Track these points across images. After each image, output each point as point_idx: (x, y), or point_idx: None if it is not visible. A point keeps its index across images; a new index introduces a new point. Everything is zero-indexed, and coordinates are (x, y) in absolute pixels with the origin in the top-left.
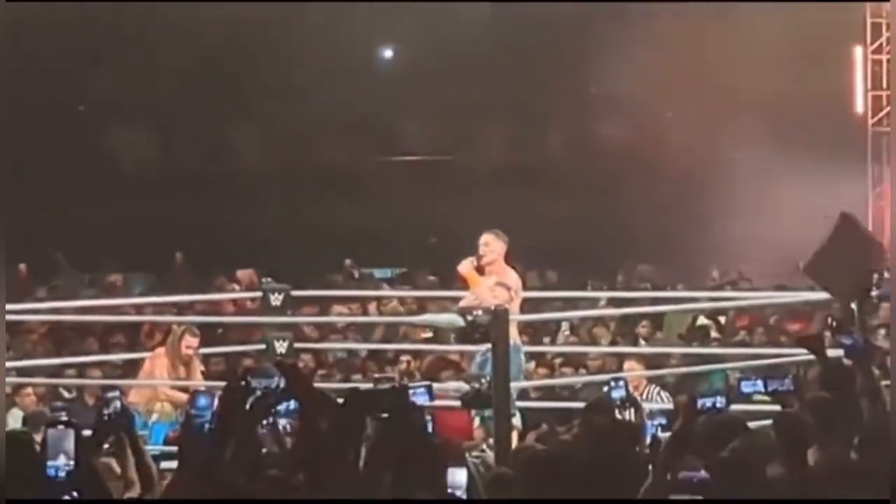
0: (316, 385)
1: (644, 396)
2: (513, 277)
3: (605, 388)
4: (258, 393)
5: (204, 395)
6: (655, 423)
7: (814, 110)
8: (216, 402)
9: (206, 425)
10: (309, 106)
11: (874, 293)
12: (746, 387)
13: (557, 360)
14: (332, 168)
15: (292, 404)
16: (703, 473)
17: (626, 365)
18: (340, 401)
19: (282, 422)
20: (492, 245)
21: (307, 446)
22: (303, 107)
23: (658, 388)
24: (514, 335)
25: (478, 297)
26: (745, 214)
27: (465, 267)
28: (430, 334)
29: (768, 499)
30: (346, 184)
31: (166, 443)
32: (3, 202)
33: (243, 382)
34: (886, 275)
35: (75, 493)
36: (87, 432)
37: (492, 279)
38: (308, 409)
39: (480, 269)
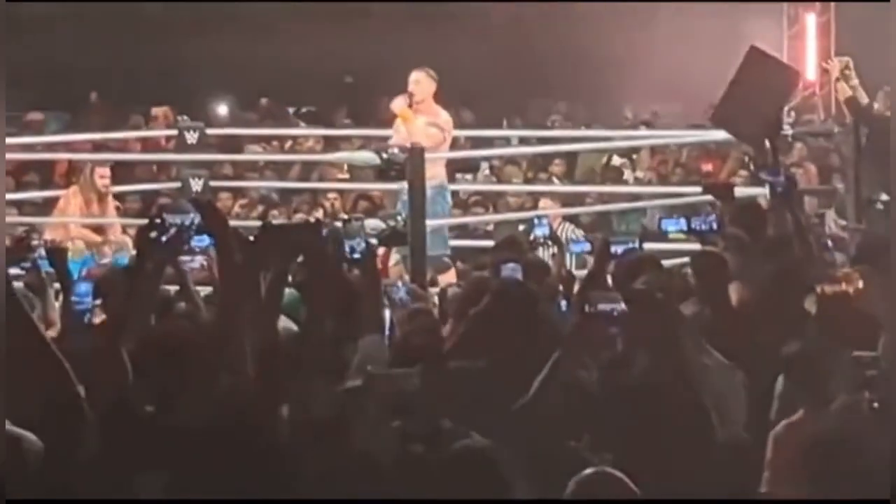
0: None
1: (559, 234)
2: (444, 117)
3: (524, 226)
4: (172, 229)
5: (84, 281)
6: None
7: None
8: (134, 237)
9: (87, 314)
10: None
11: (786, 131)
12: (668, 224)
13: (471, 200)
14: (247, 6)
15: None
16: (622, 306)
17: (541, 203)
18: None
19: (198, 259)
20: (423, 84)
21: (222, 282)
22: None
23: (573, 227)
24: (442, 175)
25: (411, 136)
26: (659, 53)
27: (400, 105)
28: (346, 175)
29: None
30: (260, 22)
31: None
32: None
33: (158, 219)
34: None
35: None
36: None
37: (422, 119)
38: (223, 245)
39: (410, 107)
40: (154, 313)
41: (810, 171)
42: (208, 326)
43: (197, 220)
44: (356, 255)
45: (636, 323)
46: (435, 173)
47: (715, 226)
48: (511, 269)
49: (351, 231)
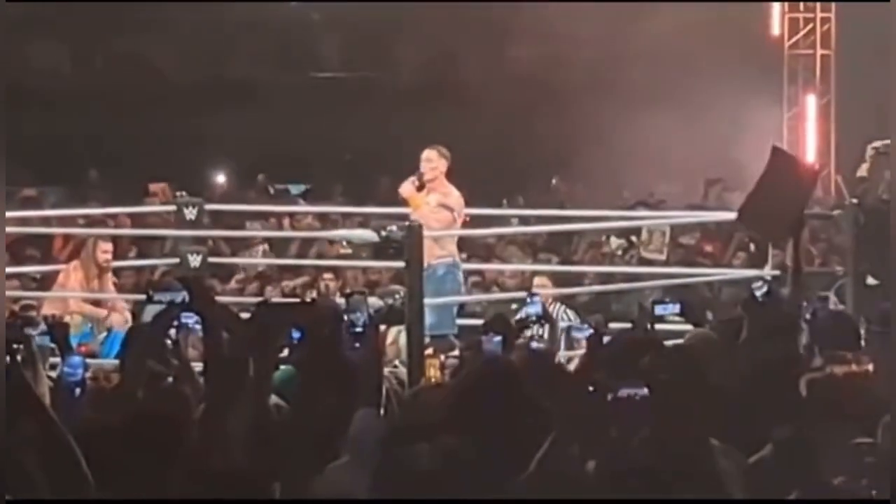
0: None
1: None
2: (454, 197)
3: (516, 305)
4: (160, 307)
5: (77, 354)
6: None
7: (730, 31)
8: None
9: (78, 386)
10: (224, 21)
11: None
12: (660, 309)
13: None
14: (248, 83)
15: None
16: (644, 391)
17: (537, 281)
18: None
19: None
20: (434, 162)
21: (208, 360)
22: (217, 21)
23: (564, 307)
24: (453, 253)
25: (421, 218)
26: (658, 135)
27: (407, 189)
28: (349, 251)
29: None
30: (261, 99)
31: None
32: None
33: (146, 296)
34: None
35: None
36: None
37: (433, 198)
38: (210, 324)
39: (421, 187)
40: (142, 389)
41: (811, 253)
42: (194, 404)
43: (185, 297)
44: (357, 329)
45: (660, 409)
46: (447, 251)
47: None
48: (492, 343)
49: (353, 305)
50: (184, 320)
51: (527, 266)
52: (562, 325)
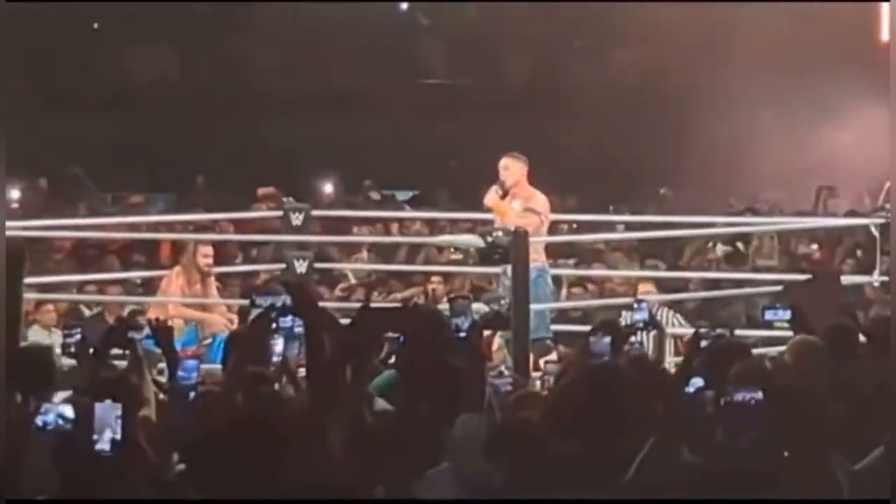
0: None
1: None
2: (540, 200)
3: (626, 311)
4: (261, 310)
5: (192, 358)
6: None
7: (838, 39)
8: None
9: (192, 391)
10: (329, 27)
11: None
12: (770, 315)
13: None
14: (354, 90)
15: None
16: (759, 395)
17: (641, 288)
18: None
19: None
20: (511, 168)
21: (309, 363)
22: (323, 27)
23: (674, 313)
24: (542, 258)
25: (509, 226)
26: (767, 141)
27: (492, 199)
28: (459, 256)
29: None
30: (366, 106)
31: None
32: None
33: (248, 300)
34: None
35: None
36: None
37: (518, 204)
38: (311, 327)
39: (505, 195)
40: (241, 393)
41: None
42: (296, 407)
43: (287, 301)
44: (461, 334)
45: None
46: (535, 256)
47: None
48: (601, 343)
49: (457, 309)
50: (285, 324)
51: (629, 272)
52: (672, 330)
